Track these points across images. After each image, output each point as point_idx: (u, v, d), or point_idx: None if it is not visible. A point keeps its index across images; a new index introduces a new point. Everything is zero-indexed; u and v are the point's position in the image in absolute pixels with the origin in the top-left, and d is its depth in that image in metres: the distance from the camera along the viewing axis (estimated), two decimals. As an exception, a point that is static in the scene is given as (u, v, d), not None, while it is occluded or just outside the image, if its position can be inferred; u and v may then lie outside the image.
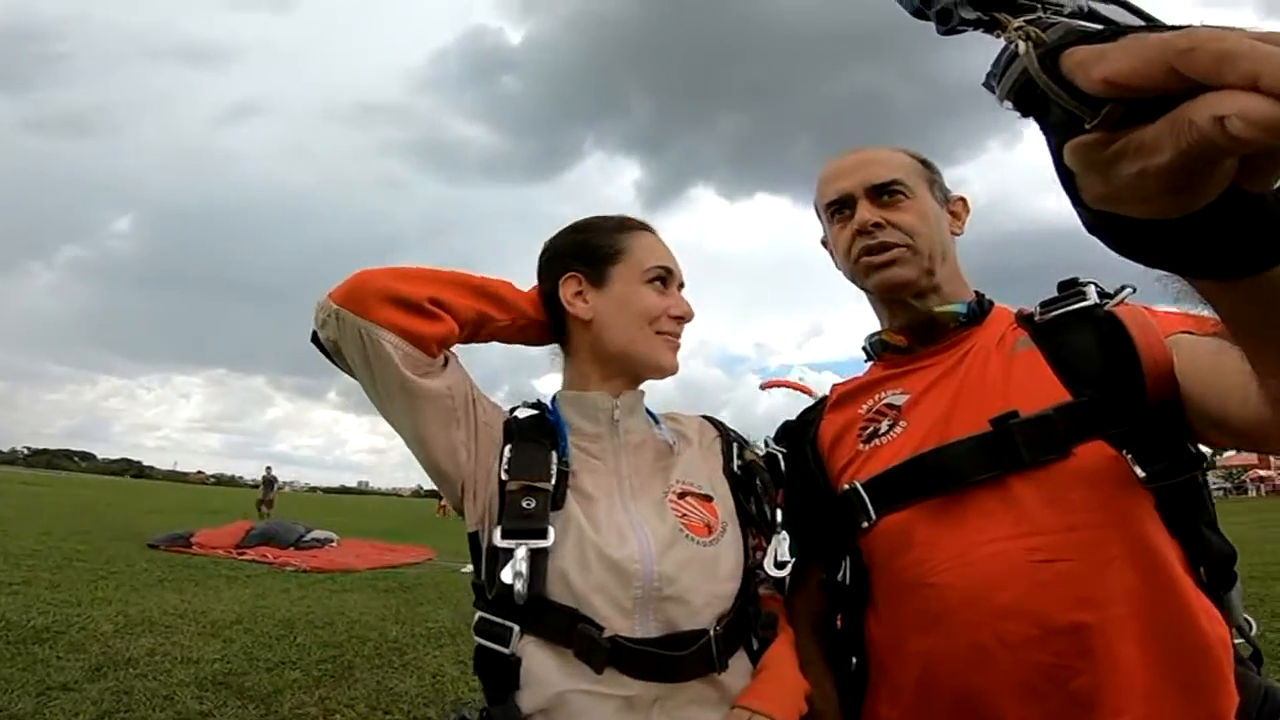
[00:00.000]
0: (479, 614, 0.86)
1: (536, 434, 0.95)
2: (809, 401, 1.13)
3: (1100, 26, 0.36)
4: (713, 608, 0.87)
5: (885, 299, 1.00)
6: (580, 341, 0.99)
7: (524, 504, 0.86)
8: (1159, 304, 0.83)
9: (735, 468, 1.01)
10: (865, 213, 0.95)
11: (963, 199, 1.03)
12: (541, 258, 1.04)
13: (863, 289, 1.03)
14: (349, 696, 3.30)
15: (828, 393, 1.09)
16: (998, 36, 0.39)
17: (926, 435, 0.87)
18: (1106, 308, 0.84)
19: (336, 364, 0.92)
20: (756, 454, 1.05)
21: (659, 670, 0.82)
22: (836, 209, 1.00)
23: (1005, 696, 0.75)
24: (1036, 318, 0.90)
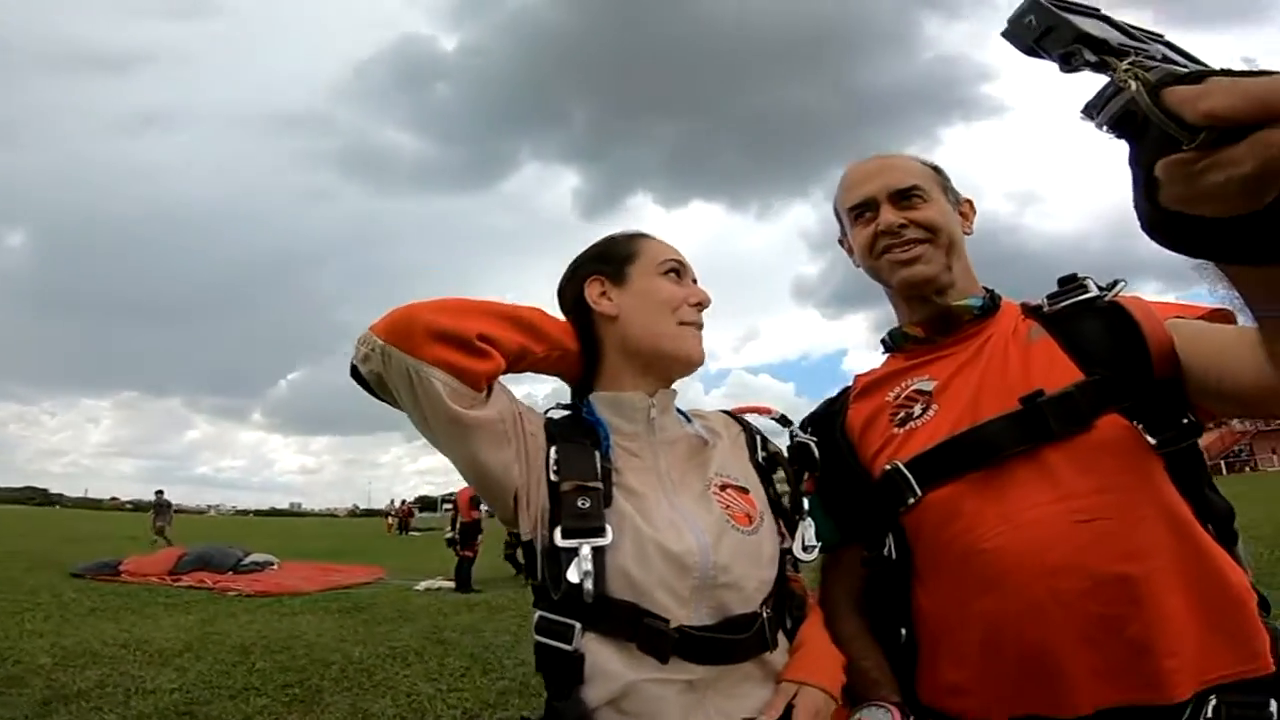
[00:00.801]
0: (538, 613, 0.88)
1: (577, 434, 0.97)
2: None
3: (1186, 68, 0.47)
4: (760, 592, 0.91)
5: (907, 295, 1.06)
6: (610, 340, 1.02)
7: (579, 503, 0.88)
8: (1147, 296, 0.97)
9: (760, 459, 1.05)
10: (889, 215, 1.03)
11: (969, 201, 1.12)
12: (563, 279, 1.08)
13: (884, 284, 1.09)
14: (324, 720, 3.19)
15: (850, 383, 1.15)
16: (1109, 75, 0.49)
17: (960, 417, 0.94)
18: (1108, 298, 0.94)
19: (378, 397, 0.92)
20: (778, 445, 1.09)
21: (720, 654, 0.86)
22: (859, 211, 1.07)
23: (1067, 647, 0.81)
24: (1045, 309, 0.99)
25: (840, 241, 1.18)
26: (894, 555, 0.96)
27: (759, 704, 0.87)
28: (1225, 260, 0.54)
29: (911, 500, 0.93)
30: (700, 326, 1.04)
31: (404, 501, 34.45)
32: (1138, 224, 0.52)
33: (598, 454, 0.93)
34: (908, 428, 0.99)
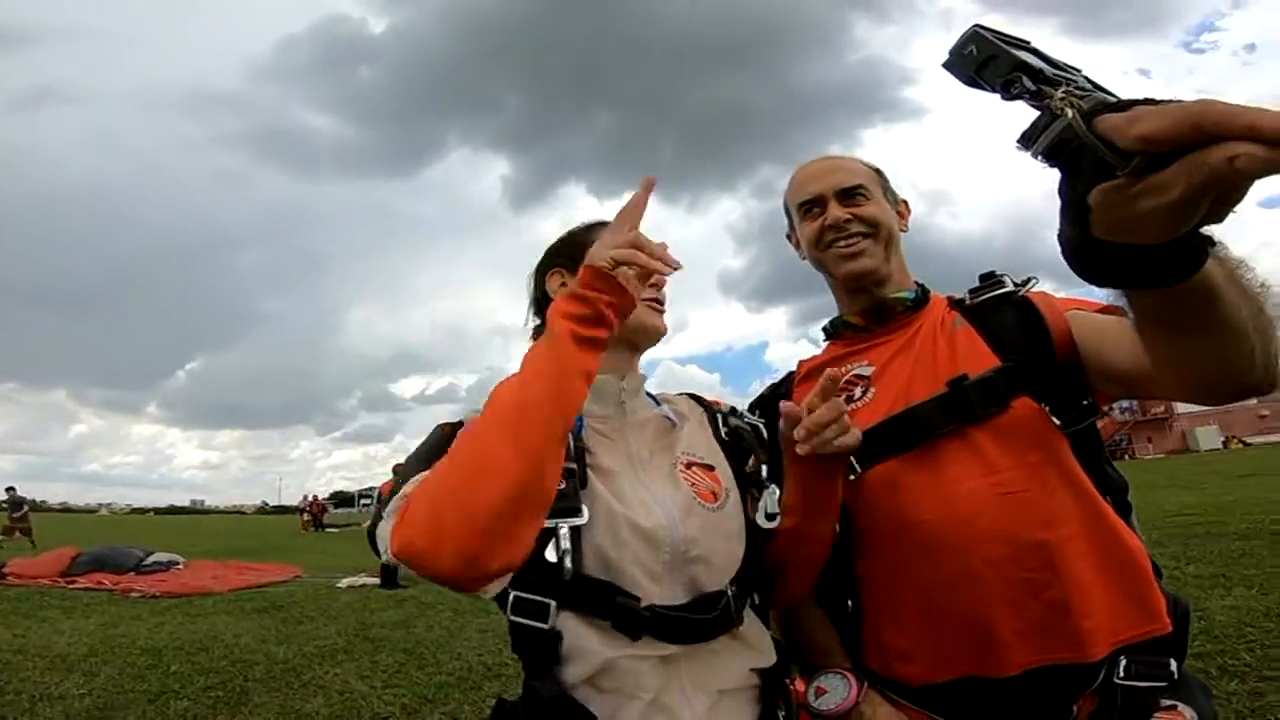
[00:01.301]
0: (513, 594, 0.87)
1: None
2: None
3: (1115, 98, 0.50)
4: (730, 567, 0.95)
5: (849, 287, 1.16)
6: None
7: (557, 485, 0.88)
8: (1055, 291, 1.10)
9: (724, 435, 1.09)
10: (837, 211, 1.13)
11: (905, 201, 1.24)
12: (533, 270, 1.13)
13: (828, 275, 1.19)
14: (255, 721, 3.08)
15: (794, 368, 1.25)
16: (1044, 104, 0.52)
17: (896, 399, 1.04)
18: (1020, 293, 1.06)
19: None
20: (740, 420, 1.13)
21: (689, 633, 0.89)
22: (809, 207, 1.17)
23: (995, 610, 0.90)
24: (967, 302, 1.11)
25: (788, 236, 1.28)
26: (838, 530, 1.03)
27: (732, 674, 0.92)
28: (1139, 288, 0.60)
29: (852, 477, 1.01)
30: (659, 300, 1.07)
31: (315, 497, 32.91)
32: (1061, 253, 0.56)
33: (571, 436, 0.94)
34: (849, 409, 1.06)
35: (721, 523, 0.97)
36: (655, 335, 1.08)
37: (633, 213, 0.90)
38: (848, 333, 1.18)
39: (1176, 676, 0.90)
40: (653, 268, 0.85)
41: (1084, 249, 0.52)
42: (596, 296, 0.84)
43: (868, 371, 1.11)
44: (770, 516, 0.98)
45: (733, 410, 1.17)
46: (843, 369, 1.13)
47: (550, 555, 0.86)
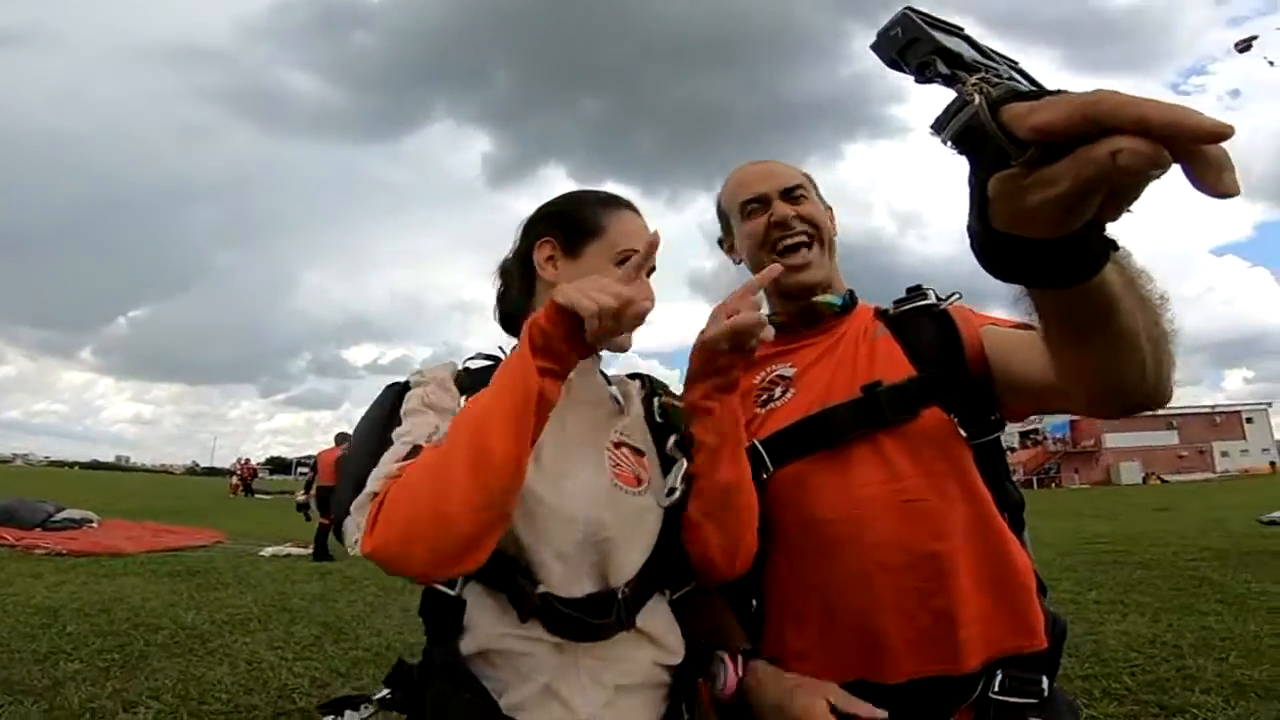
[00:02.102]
0: None
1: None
2: None
3: (1028, 88, 0.49)
4: (642, 552, 0.91)
5: (787, 296, 1.14)
6: (544, 301, 0.98)
7: None
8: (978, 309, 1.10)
9: (656, 415, 1.05)
10: (784, 209, 1.12)
11: (830, 208, 1.23)
12: (526, 220, 1.07)
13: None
14: (150, 687, 2.93)
15: None
16: (956, 89, 0.51)
17: (813, 401, 1.03)
18: (942, 306, 1.07)
19: None
20: (673, 397, 1.08)
21: (576, 631, 0.85)
22: (751, 206, 1.15)
23: (887, 616, 0.91)
24: (890, 312, 1.11)
25: (720, 242, 1.26)
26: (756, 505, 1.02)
27: (634, 668, 0.88)
28: (1037, 286, 0.59)
29: (764, 475, 1.00)
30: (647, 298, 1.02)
31: (247, 460, 31.86)
32: (970, 246, 0.54)
33: None
34: (769, 408, 1.08)
35: (637, 508, 0.93)
36: (617, 349, 1.02)
37: (637, 266, 0.84)
38: (778, 335, 1.15)
39: (1046, 694, 0.91)
40: (623, 329, 0.81)
41: (985, 241, 0.51)
42: (563, 351, 0.80)
43: (789, 373, 1.10)
44: (670, 492, 0.93)
45: (665, 388, 1.12)
46: (766, 369, 1.13)
47: None
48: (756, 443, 1.02)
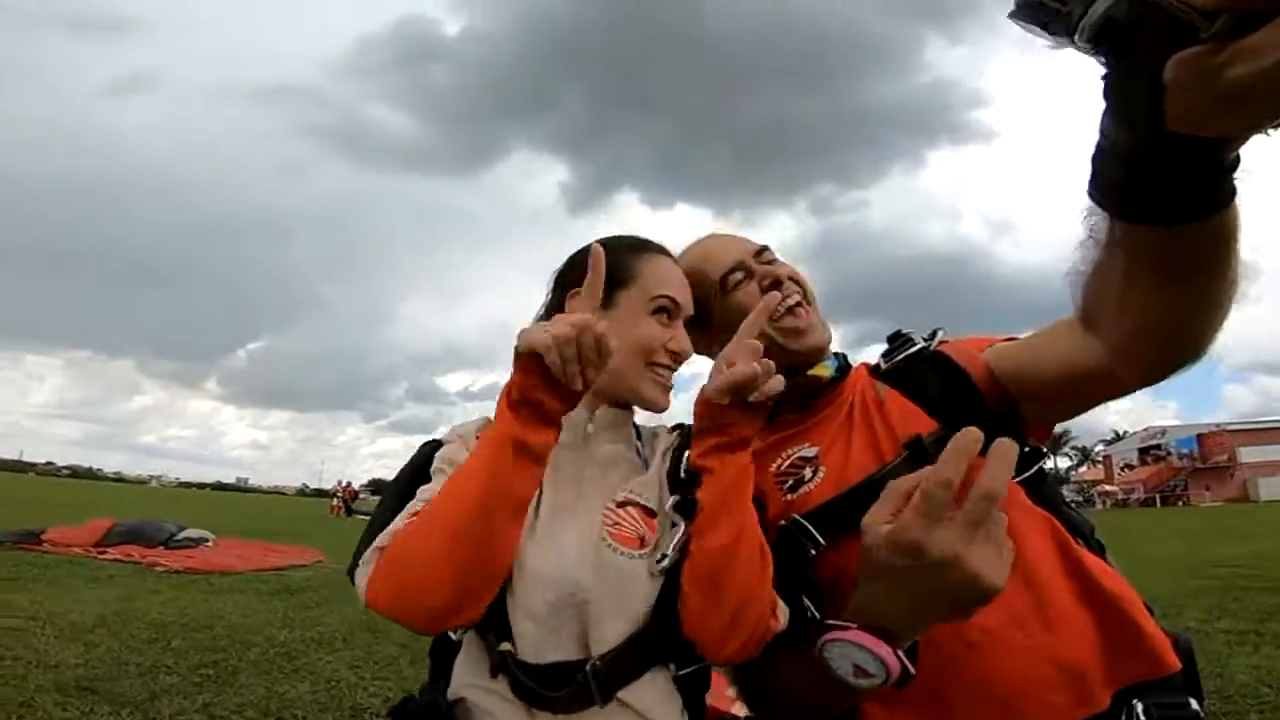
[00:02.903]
0: None
1: None
2: None
3: None
4: (627, 622, 0.84)
5: (795, 368, 1.03)
6: None
7: None
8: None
9: (682, 472, 0.93)
10: (777, 269, 1.05)
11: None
12: (556, 271, 1.04)
13: (773, 353, 1.02)
14: (236, 702, 3.10)
15: None
16: None
17: (847, 475, 0.96)
18: (932, 348, 1.02)
19: None
20: None
21: (532, 699, 0.81)
22: (734, 274, 1.05)
23: (996, 681, 0.83)
24: (882, 367, 1.06)
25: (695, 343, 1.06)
26: (818, 615, 0.93)
27: None
28: (1184, 212, 0.52)
29: (814, 551, 0.93)
30: (671, 372, 0.97)
31: (348, 483, 33.74)
32: (1092, 185, 0.52)
33: None
34: (800, 492, 1.00)
35: (632, 572, 0.85)
36: (649, 408, 0.98)
37: (591, 291, 0.83)
38: (778, 418, 1.08)
39: (1201, 717, 0.82)
40: (590, 360, 0.77)
41: (1144, 152, 0.45)
42: (541, 400, 0.78)
43: (811, 453, 1.03)
44: (662, 557, 0.85)
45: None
46: (783, 454, 1.05)
47: None
48: (797, 517, 0.95)
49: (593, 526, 0.87)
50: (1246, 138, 0.43)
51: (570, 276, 0.99)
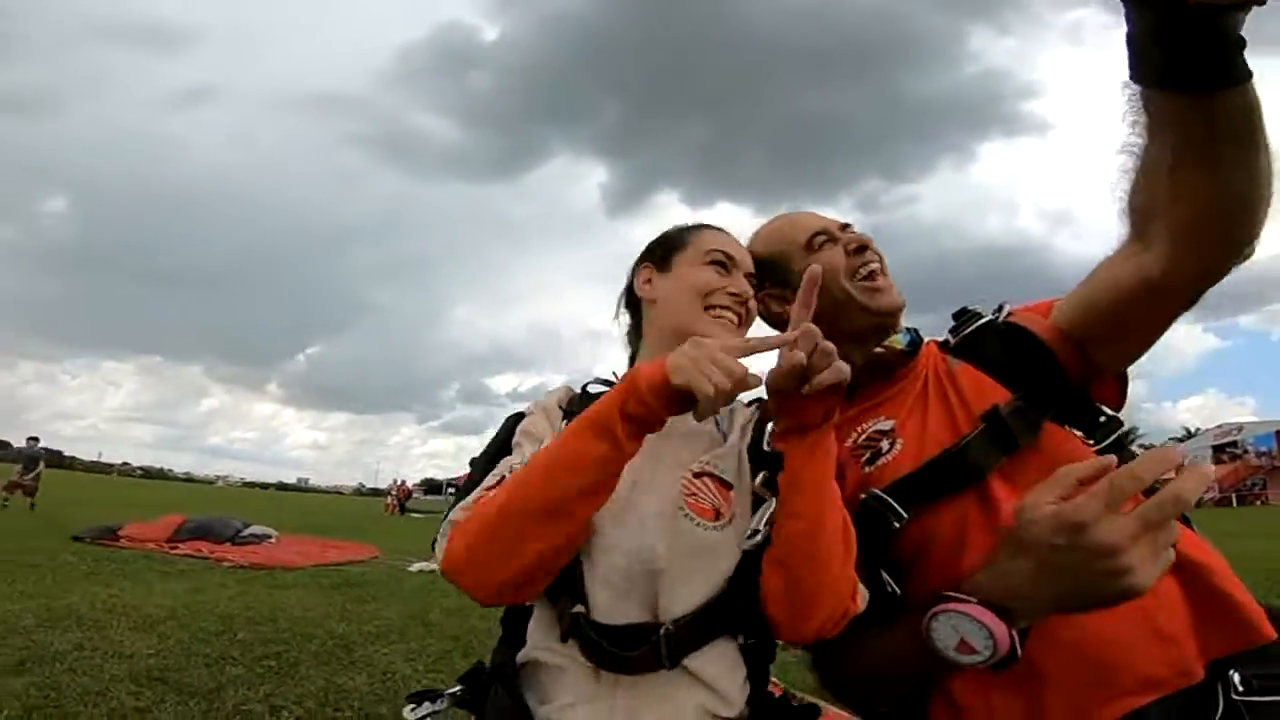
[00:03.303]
0: None
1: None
2: None
3: None
4: (700, 591, 0.85)
5: (873, 331, 1.04)
6: (651, 323, 1.06)
7: None
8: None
9: (765, 446, 0.94)
10: (862, 237, 1.06)
11: None
12: (632, 268, 1.12)
13: (851, 319, 1.02)
14: (296, 693, 3.18)
15: None
16: None
17: (922, 447, 0.95)
18: (1001, 319, 1.01)
19: None
20: None
21: (604, 660, 0.82)
22: (818, 238, 1.07)
23: (1088, 652, 0.79)
24: (951, 342, 1.05)
25: (763, 299, 1.09)
26: (899, 591, 0.92)
27: (676, 713, 0.82)
28: (1205, 81, 0.63)
29: (897, 525, 0.90)
30: (737, 316, 1.00)
31: (402, 482, 34.80)
32: (1130, 63, 0.65)
33: None
34: (878, 464, 0.98)
35: (708, 545, 0.86)
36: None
37: (761, 346, 0.81)
38: (855, 392, 1.05)
39: None
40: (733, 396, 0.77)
41: (1166, 23, 0.58)
42: (661, 421, 0.79)
43: (887, 425, 1.02)
44: (752, 534, 0.86)
45: None
46: (858, 428, 1.03)
47: None
48: (877, 491, 0.93)
49: (671, 497, 0.89)
50: (1248, 9, 0.56)
51: (642, 258, 1.09)
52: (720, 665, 0.85)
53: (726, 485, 0.92)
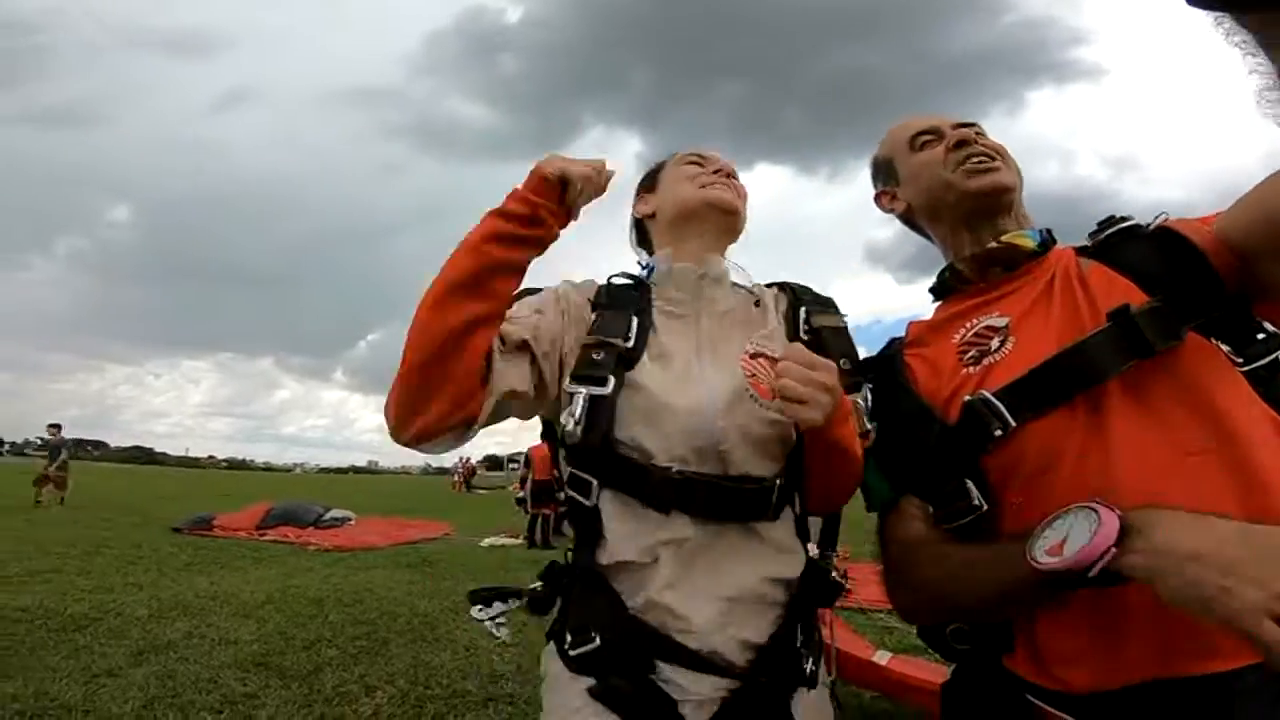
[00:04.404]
0: (568, 470, 0.95)
1: (622, 301, 1.03)
2: None
3: None
4: (768, 469, 0.94)
5: (976, 209, 1.01)
6: (656, 232, 1.15)
7: (594, 356, 0.94)
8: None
9: (802, 333, 1.06)
10: (963, 132, 1.02)
11: None
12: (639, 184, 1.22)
13: (947, 207, 1.04)
14: (387, 672, 3.35)
15: (902, 334, 1.10)
16: None
17: (1040, 346, 0.86)
18: (1151, 226, 0.90)
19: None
20: (833, 319, 1.09)
21: (720, 507, 0.90)
22: (924, 137, 1.06)
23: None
24: (1090, 246, 0.95)
25: (878, 198, 1.17)
26: (984, 505, 0.85)
27: (743, 582, 0.90)
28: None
29: (999, 433, 0.83)
30: (721, 181, 1.10)
31: (467, 460, 35.94)
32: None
33: (634, 318, 0.99)
34: (984, 363, 0.91)
35: (771, 422, 0.94)
36: (721, 208, 1.09)
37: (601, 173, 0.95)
38: (966, 285, 1.02)
39: None
40: (599, 184, 0.94)
41: None
42: (535, 201, 0.89)
43: (1001, 322, 0.94)
44: (863, 434, 0.96)
45: (819, 301, 1.12)
46: (967, 322, 0.98)
47: (565, 420, 0.90)
48: (987, 395, 0.86)
49: (735, 375, 0.96)
50: None
51: (641, 185, 1.20)
52: (784, 531, 0.96)
53: (777, 362, 0.97)
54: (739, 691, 0.87)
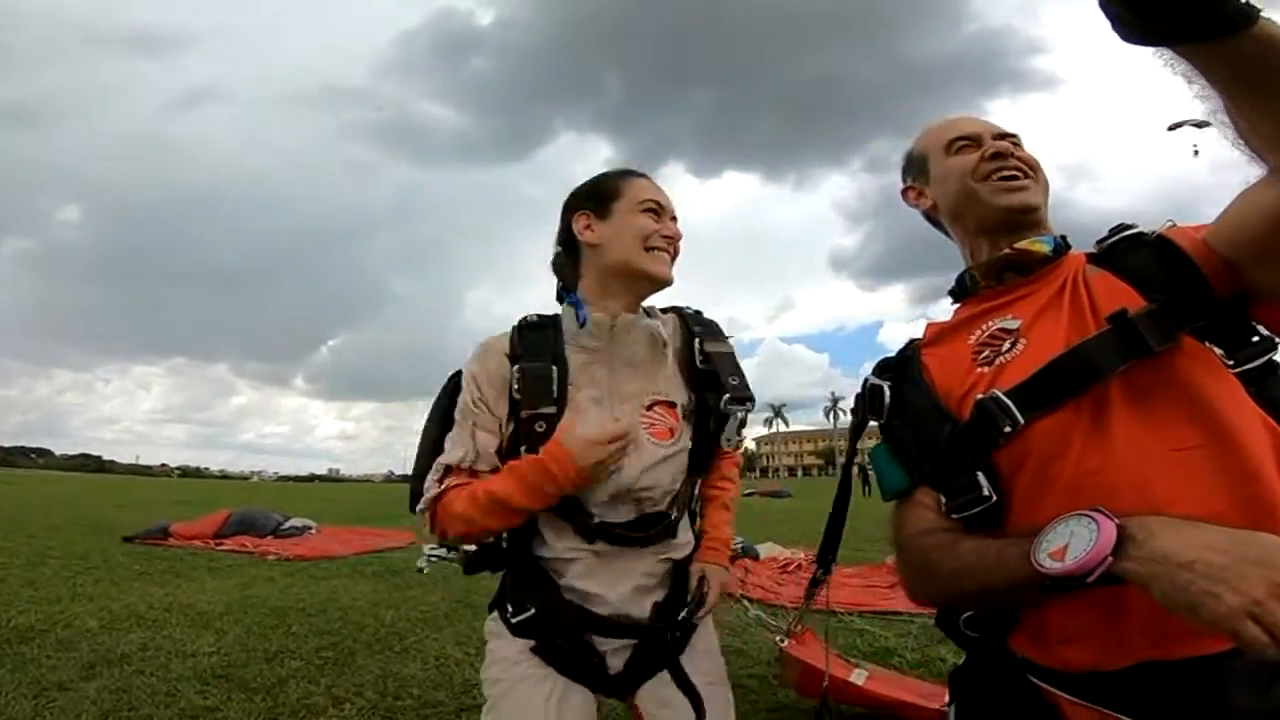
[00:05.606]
0: None
1: (537, 348, 1.19)
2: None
3: None
4: (669, 495, 1.23)
5: (1002, 224, 1.04)
6: (589, 265, 1.24)
7: (536, 428, 1.16)
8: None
9: (697, 362, 1.24)
10: (1000, 144, 1.05)
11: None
12: (563, 204, 1.28)
13: (972, 216, 1.07)
14: (355, 684, 3.26)
15: (919, 335, 1.14)
16: None
17: (1050, 348, 0.90)
18: (1154, 234, 0.95)
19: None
20: (722, 345, 1.26)
21: (632, 544, 1.21)
22: (962, 143, 1.09)
23: None
24: (1095, 250, 1.01)
25: (904, 192, 1.21)
26: (994, 496, 0.89)
27: (649, 568, 1.23)
28: (1184, 36, 0.59)
29: (1008, 429, 0.87)
30: (669, 254, 1.22)
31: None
32: (1111, 23, 0.59)
33: (554, 372, 1.16)
34: (997, 364, 0.95)
35: (669, 459, 1.21)
36: (656, 281, 1.22)
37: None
38: (982, 288, 1.06)
39: None
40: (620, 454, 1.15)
41: None
42: (565, 481, 1.11)
43: (1014, 324, 0.99)
44: (728, 440, 1.26)
45: (709, 330, 1.29)
46: (981, 325, 1.02)
47: None
48: (999, 394, 0.90)
49: (639, 426, 1.19)
50: None
51: (573, 203, 1.26)
52: (681, 528, 1.29)
53: (672, 405, 1.23)
54: (644, 640, 1.21)
